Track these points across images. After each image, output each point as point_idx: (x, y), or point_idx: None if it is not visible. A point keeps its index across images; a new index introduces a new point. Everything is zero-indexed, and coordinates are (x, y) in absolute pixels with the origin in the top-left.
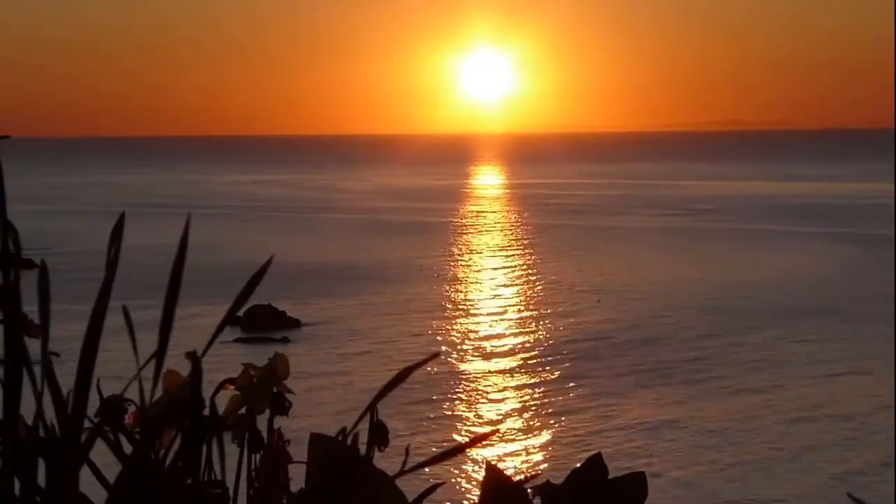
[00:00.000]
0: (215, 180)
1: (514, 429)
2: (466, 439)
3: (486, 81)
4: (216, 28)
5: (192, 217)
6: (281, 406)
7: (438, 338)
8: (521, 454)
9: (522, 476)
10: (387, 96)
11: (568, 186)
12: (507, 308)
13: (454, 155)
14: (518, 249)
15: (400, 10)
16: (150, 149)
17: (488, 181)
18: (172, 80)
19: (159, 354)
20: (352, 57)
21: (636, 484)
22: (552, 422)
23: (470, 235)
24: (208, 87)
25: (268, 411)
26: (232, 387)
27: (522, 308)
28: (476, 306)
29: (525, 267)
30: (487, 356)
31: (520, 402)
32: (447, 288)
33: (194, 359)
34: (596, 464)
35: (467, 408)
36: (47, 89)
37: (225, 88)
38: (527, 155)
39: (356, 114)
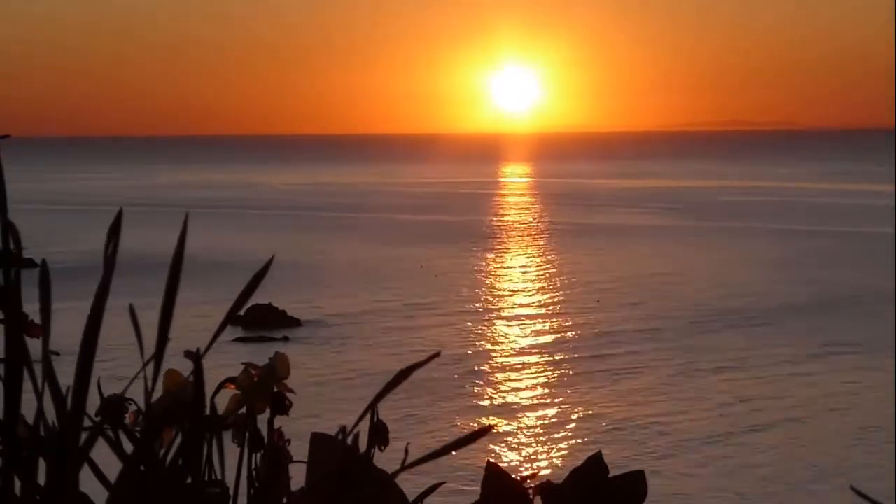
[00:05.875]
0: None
1: (512, 426)
2: (463, 436)
3: (512, 90)
4: (286, 34)
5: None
6: (281, 406)
7: (438, 337)
8: (518, 451)
9: (522, 475)
10: (425, 103)
11: (568, 185)
12: (507, 308)
13: (469, 154)
14: (519, 249)
15: (435, 30)
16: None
17: (504, 179)
18: (234, 78)
19: (158, 354)
20: (393, 70)
21: (636, 482)
22: (549, 420)
23: (470, 236)
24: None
25: (268, 411)
26: (232, 386)
27: (522, 308)
28: (474, 306)
29: (526, 266)
30: (485, 355)
31: (517, 399)
32: (447, 288)
33: (195, 358)
34: (596, 463)
35: (464, 406)
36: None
37: (289, 89)
38: (535, 154)
39: (401, 115)
